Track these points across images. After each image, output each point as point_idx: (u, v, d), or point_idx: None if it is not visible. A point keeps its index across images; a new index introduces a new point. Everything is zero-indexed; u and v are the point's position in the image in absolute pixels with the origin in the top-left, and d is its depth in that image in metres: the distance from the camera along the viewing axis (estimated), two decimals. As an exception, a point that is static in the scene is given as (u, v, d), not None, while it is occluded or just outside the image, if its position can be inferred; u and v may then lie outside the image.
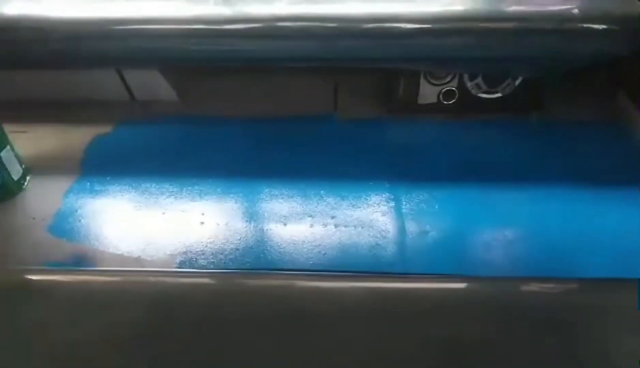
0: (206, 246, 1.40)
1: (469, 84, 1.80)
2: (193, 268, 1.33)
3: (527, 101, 1.82)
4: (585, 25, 1.57)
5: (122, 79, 1.90)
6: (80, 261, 1.35)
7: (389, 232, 1.42)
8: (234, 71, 1.97)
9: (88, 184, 1.60)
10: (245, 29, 1.60)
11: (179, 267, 1.34)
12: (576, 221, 1.41)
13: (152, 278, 1.06)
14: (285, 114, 1.87)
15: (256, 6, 1.64)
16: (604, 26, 1.55)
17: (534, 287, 1.03)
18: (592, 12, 1.60)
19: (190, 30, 1.62)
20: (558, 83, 1.80)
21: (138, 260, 1.36)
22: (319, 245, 1.40)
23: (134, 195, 1.57)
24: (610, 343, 0.87)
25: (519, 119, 1.81)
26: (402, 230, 1.43)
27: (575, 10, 1.61)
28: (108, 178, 1.62)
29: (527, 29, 1.58)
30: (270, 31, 1.59)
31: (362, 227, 1.44)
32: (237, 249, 1.39)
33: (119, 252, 1.39)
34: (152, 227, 1.47)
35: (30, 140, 1.73)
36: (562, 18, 1.59)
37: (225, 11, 1.63)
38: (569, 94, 1.85)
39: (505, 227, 1.41)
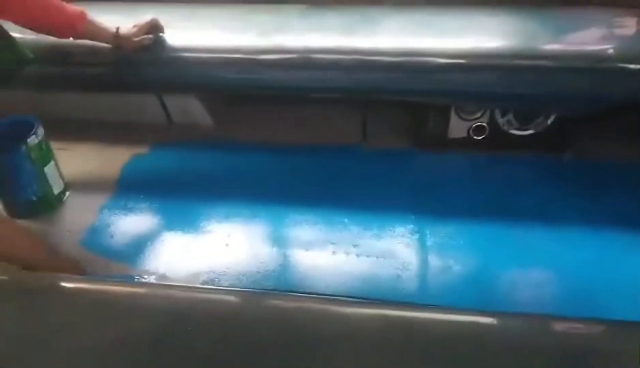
0: (229, 267, 1.43)
1: (500, 120, 1.78)
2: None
3: (559, 139, 1.79)
4: (621, 65, 1.55)
5: (162, 102, 1.99)
6: (108, 274, 1.39)
7: (411, 264, 1.40)
8: (268, 99, 2.04)
9: (122, 201, 1.67)
10: (280, 60, 1.66)
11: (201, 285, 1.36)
12: (605, 264, 1.36)
13: (173, 292, 1.08)
14: (314, 142, 1.90)
15: (291, 38, 1.71)
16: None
17: (559, 326, 0.99)
18: (628, 52, 1.58)
19: (228, 60, 1.70)
20: (593, 122, 1.77)
21: (162, 277, 1.39)
22: (340, 273, 1.40)
23: (164, 214, 1.62)
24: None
25: (551, 157, 1.78)
26: (425, 264, 1.41)
27: (611, 50, 1.59)
28: (141, 196, 1.68)
29: (561, 68, 1.57)
30: (304, 62, 1.65)
31: (385, 258, 1.43)
32: (258, 272, 1.41)
33: (145, 268, 1.43)
34: (178, 246, 1.50)
35: (72, 158, 1.82)
36: (598, 58, 1.57)
37: (261, 42, 1.70)
38: (604, 133, 1.81)
39: (531, 267, 1.37)
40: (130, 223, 1.59)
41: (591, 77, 1.57)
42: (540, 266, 1.38)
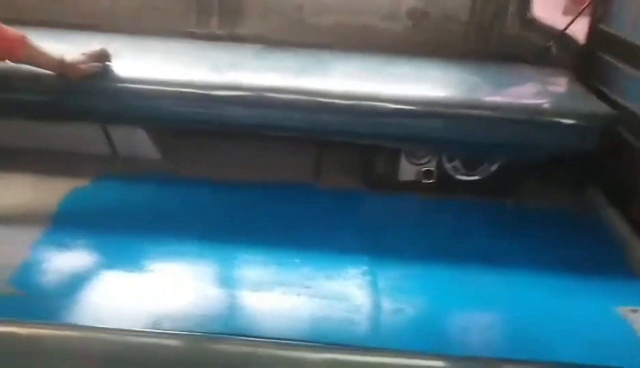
0: (172, 310, 1.34)
1: (447, 166, 1.86)
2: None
3: (503, 186, 1.89)
4: (554, 119, 1.68)
5: (106, 133, 1.91)
6: (36, 315, 1.27)
7: (363, 306, 1.39)
8: (219, 135, 2.01)
9: (58, 237, 1.54)
10: (232, 96, 1.66)
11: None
12: (546, 307, 1.41)
13: (110, 336, 1.00)
14: (266, 180, 1.88)
15: (244, 75, 1.72)
16: (572, 121, 1.67)
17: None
18: (561, 107, 1.73)
19: (179, 93, 1.68)
20: (534, 171, 1.88)
21: (99, 320, 1.29)
22: (291, 315, 1.35)
23: (103, 251, 1.51)
24: None
25: (495, 202, 1.86)
26: (376, 306, 1.40)
27: (546, 105, 1.74)
28: (80, 232, 1.56)
29: (501, 118, 1.69)
30: (257, 100, 1.66)
31: (336, 300, 1.40)
32: (204, 315, 1.33)
33: (79, 310, 1.31)
34: (117, 287, 1.40)
35: (3, 188, 1.69)
36: (534, 111, 1.71)
37: (214, 78, 1.70)
38: (545, 183, 1.93)
39: (479, 310, 1.40)
40: (66, 260, 1.47)
41: (528, 128, 1.70)
42: (487, 309, 1.41)
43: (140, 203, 1.74)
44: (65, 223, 1.60)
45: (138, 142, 1.95)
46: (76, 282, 1.40)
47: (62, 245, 1.51)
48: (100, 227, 1.59)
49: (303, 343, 1.21)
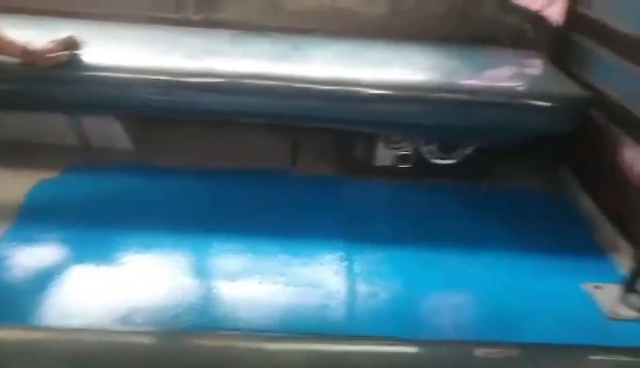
0: (145, 302, 1.31)
1: (423, 150, 1.85)
2: (127, 325, 1.23)
3: (478, 169, 1.89)
4: (529, 101, 1.68)
5: (76, 123, 1.86)
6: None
7: (339, 292, 1.38)
8: (193, 122, 1.97)
9: (24, 231, 1.49)
10: (208, 83, 1.63)
11: (111, 325, 1.24)
12: (520, 286, 1.43)
13: (79, 336, 0.98)
14: (241, 168, 1.86)
15: (220, 62, 1.68)
16: (547, 104, 1.67)
17: (479, 351, 1.02)
18: (536, 90, 1.73)
19: (152, 81, 1.63)
20: (508, 154, 1.89)
21: (66, 316, 1.25)
22: (267, 304, 1.34)
23: (73, 245, 1.47)
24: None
25: (470, 185, 1.87)
26: (352, 291, 1.40)
27: (521, 88, 1.74)
28: (48, 225, 1.52)
29: (476, 102, 1.68)
30: (233, 87, 1.63)
31: (312, 287, 1.40)
32: (179, 306, 1.31)
33: (46, 307, 1.28)
34: (87, 281, 1.37)
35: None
36: (510, 94, 1.71)
37: (189, 64, 1.66)
38: (518, 165, 1.95)
39: (453, 291, 1.41)
40: (33, 256, 1.42)
41: (503, 111, 1.70)
42: (460, 291, 1.42)
43: (111, 195, 1.70)
44: (33, 217, 1.55)
45: (110, 132, 1.90)
46: (44, 278, 1.35)
47: (29, 240, 1.47)
48: (69, 219, 1.55)
49: (278, 334, 1.20)
